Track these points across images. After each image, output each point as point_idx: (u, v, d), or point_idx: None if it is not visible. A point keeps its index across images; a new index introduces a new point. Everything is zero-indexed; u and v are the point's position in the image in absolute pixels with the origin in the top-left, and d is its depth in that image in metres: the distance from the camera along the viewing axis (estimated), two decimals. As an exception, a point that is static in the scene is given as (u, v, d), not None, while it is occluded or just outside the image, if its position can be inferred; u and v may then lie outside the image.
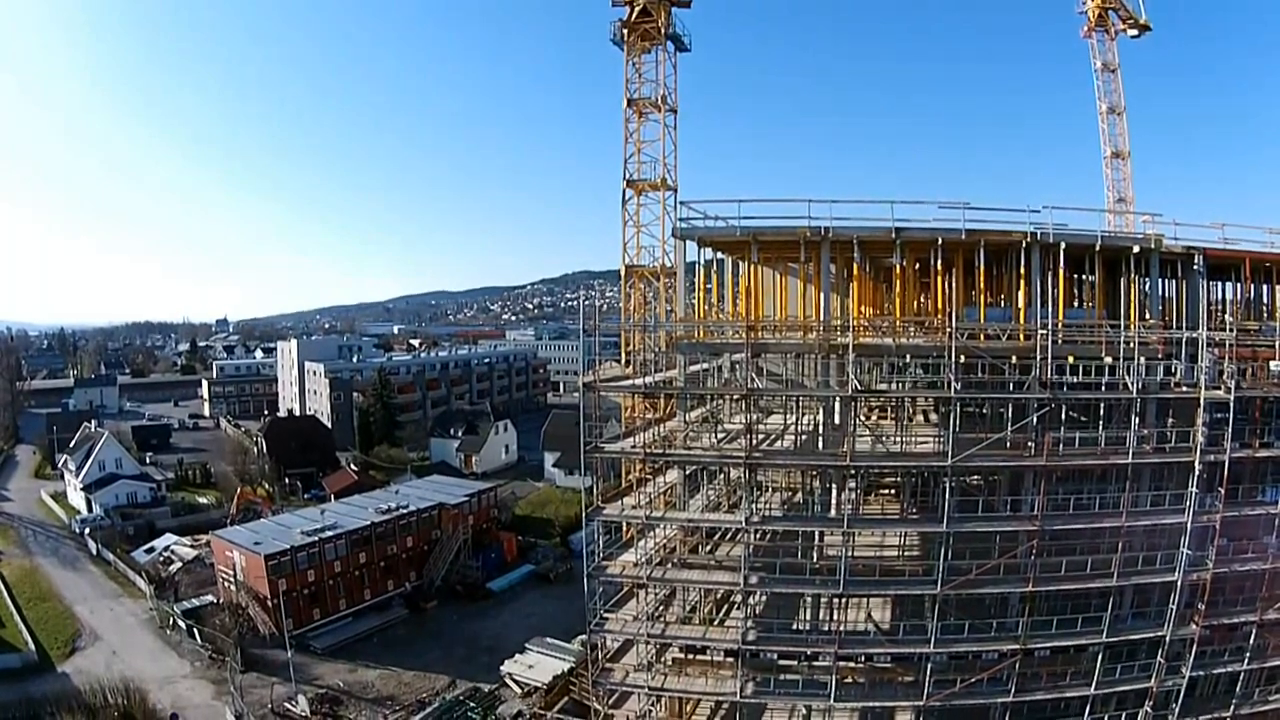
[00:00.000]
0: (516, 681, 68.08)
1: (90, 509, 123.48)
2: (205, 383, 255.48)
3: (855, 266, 52.87)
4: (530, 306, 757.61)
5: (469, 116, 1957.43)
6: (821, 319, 51.21)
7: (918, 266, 58.67)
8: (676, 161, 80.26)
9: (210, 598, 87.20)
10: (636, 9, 76.27)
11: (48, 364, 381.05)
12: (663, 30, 76.60)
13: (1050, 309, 49.18)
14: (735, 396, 56.57)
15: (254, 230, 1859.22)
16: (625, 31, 77.47)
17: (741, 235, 53.25)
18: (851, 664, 47.91)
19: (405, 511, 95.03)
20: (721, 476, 58.80)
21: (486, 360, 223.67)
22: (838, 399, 49.19)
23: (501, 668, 69.79)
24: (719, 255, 63.28)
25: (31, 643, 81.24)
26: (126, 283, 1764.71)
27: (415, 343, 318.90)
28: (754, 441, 50.71)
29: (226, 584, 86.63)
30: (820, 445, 51.48)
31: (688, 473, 56.60)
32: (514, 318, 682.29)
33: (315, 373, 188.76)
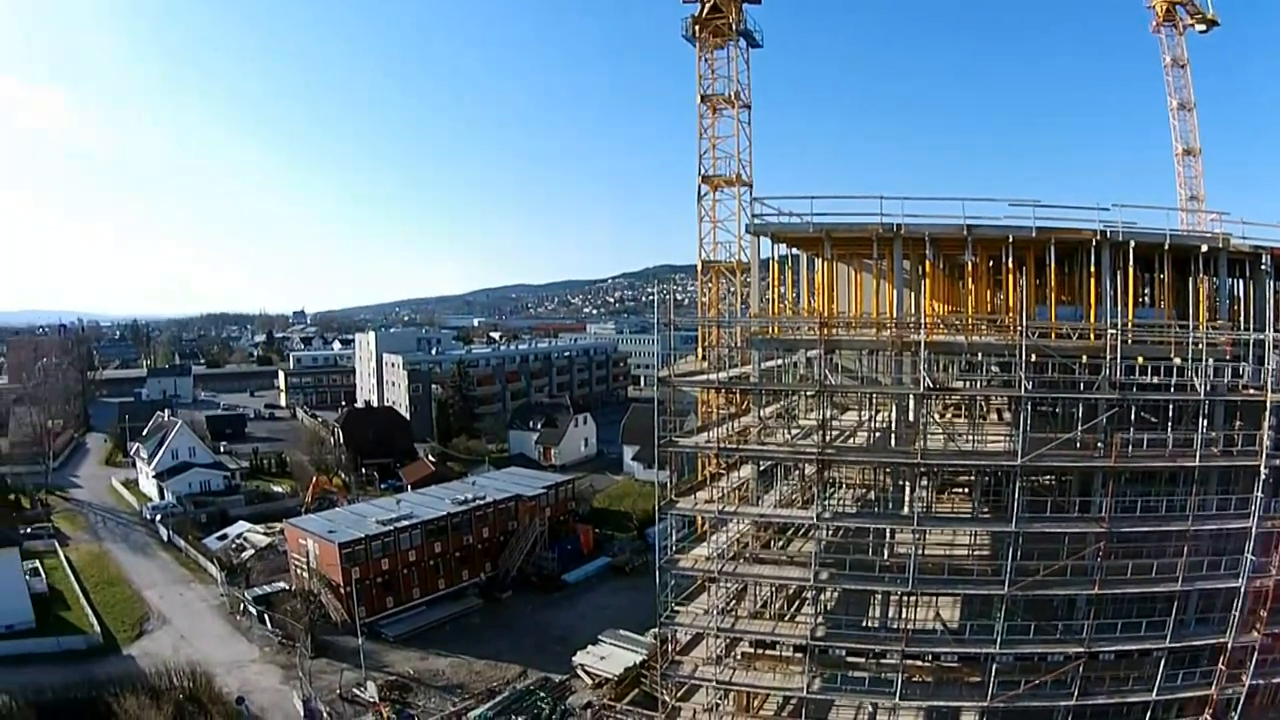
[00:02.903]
0: (588, 672, 68.56)
1: (162, 496, 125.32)
2: (282, 374, 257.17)
3: (928, 263, 52.51)
4: (611, 300, 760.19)
5: (550, 110, 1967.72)
6: (895, 315, 51.06)
7: (990, 263, 58.12)
8: (751, 157, 79.97)
9: (282, 584, 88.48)
10: (707, 5, 76.20)
11: (120, 354, 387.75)
12: (734, 26, 76.47)
13: (1120, 308, 48.43)
14: (809, 393, 56.62)
15: (332, 223, 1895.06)
16: (697, 28, 77.54)
17: (815, 231, 53.41)
18: (918, 663, 47.64)
19: (482, 502, 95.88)
20: (796, 472, 58.64)
21: (566, 353, 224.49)
22: (911, 396, 49.01)
23: (574, 659, 70.25)
24: (793, 251, 63.18)
25: (97, 625, 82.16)
26: (201, 275, 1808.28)
27: (495, 336, 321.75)
28: (828, 438, 50.68)
29: (299, 571, 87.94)
30: (893, 442, 51.35)
31: (762, 468, 56.83)
32: (595, 311, 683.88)
33: (394, 364, 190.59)
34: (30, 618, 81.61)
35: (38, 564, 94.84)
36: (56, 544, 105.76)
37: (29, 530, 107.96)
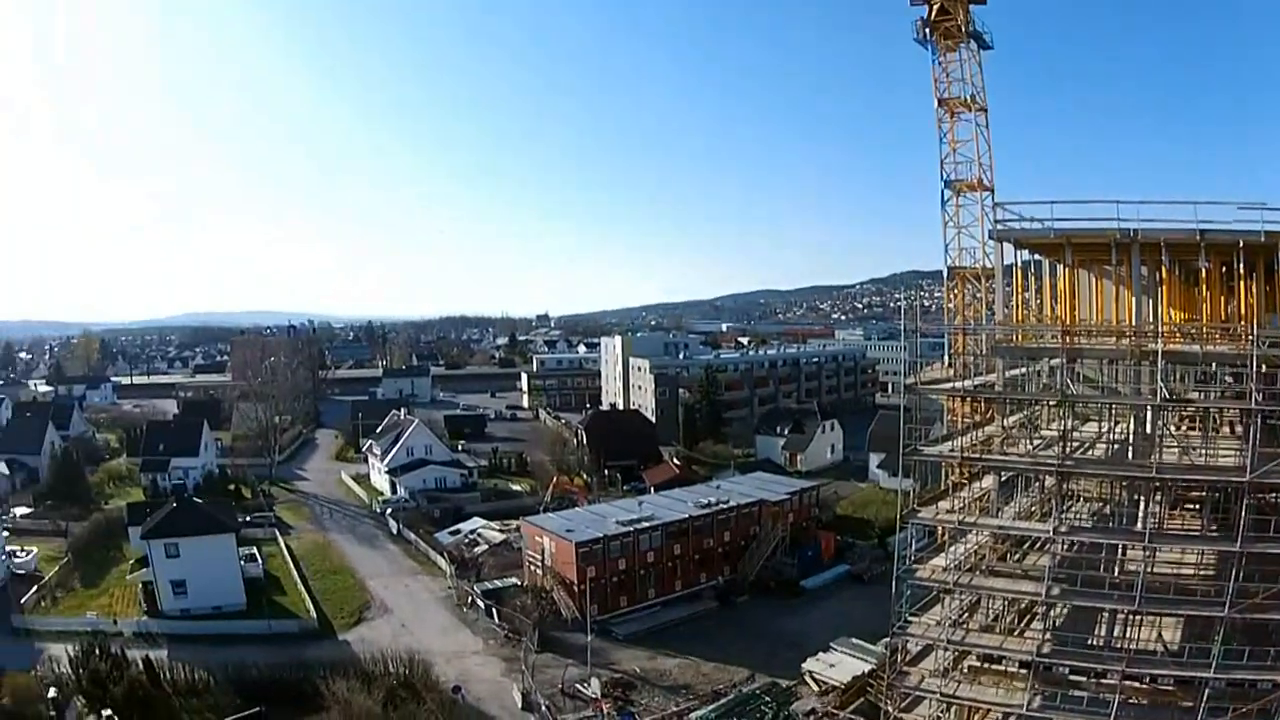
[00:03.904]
0: (815, 679, 68.39)
1: (395, 491, 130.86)
2: (525, 376, 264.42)
3: (1163, 269, 50.23)
4: (859, 306, 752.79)
5: (795, 115, 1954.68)
6: (1133, 323, 49.16)
7: (1223, 269, 54.80)
8: (992, 161, 78.34)
9: (514, 580, 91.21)
10: (935, 7, 75.12)
11: (353, 355, 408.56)
12: (963, 28, 75.06)
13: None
14: (1051, 402, 55.19)
15: (576, 225, 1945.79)
16: (927, 30, 76.61)
17: (1055, 237, 52.39)
18: (1136, 684, 45.48)
19: (724, 506, 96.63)
20: (1036, 484, 57.19)
21: (815, 359, 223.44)
22: (1148, 407, 47.04)
23: (803, 665, 70.03)
24: (1036, 257, 61.76)
25: (314, 611, 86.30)
26: (440, 278, 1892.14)
27: (743, 340, 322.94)
28: (1067, 449, 49.42)
29: (533, 568, 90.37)
30: (1130, 455, 49.34)
31: (1003, 479, 55.77)
32: (843, 317, 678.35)
33: (640, 368, 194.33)
34: (241, 600, 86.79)
35: (255, 550, 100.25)
36: (277, 532, 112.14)
37: (249, 519, 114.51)
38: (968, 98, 76.80)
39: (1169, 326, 49.55)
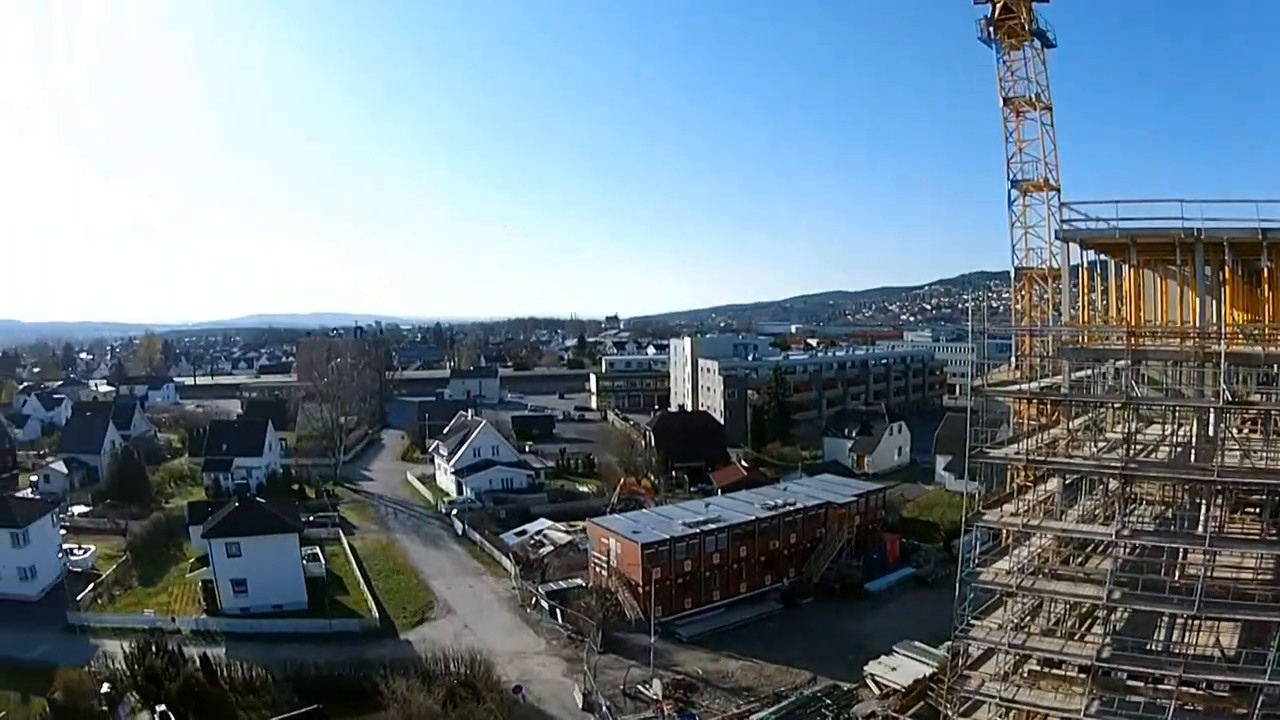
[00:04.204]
0: (877, 682, 68.27)
1: (461, 492, 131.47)
2: (593, 377, 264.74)
3: (1227, 270, 49.43)
4: (928, 307, 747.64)
5: (863, 115, 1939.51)
6: (1197, 324, 48.49)
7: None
8: (1057, 160, 77.61)
9: (579, 581, 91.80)
10: (998, 5, 74.60)
11: (421, 356, 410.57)
12: (1026, 26, 74.42)
13: None
14: (1116, 405, 54.62)
15: (646, 228, 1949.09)
16: (991, 29, 76.10)
17: (1120, 237, 51.82)
18: (1192, 690, 44.74)
19: (791, 508, 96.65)
20: (1100, 487, 56.59)
21: (883, 361, 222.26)
22: (1211, 410, 46.37)
23: (865, 668, 69.90)
24: (1101, 257, 61.17)
25: (375, 610, 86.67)
26: (509, 280, 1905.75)
27: (812, 342, 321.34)
28: (1131, 451, 48.89)
29: (598, 569, 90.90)
30: (1192, 458, 48.64)
31: (1068, 481, 55.28)
32: (911, 318, 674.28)
33: (709, 369, 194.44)
34: (302, 599, 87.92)
35: (318, 550, 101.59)
36: (340, 532, 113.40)
37: (312, 519, 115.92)
38: (1032, 96, 76.20)
39: (1232, 328, 48.78)
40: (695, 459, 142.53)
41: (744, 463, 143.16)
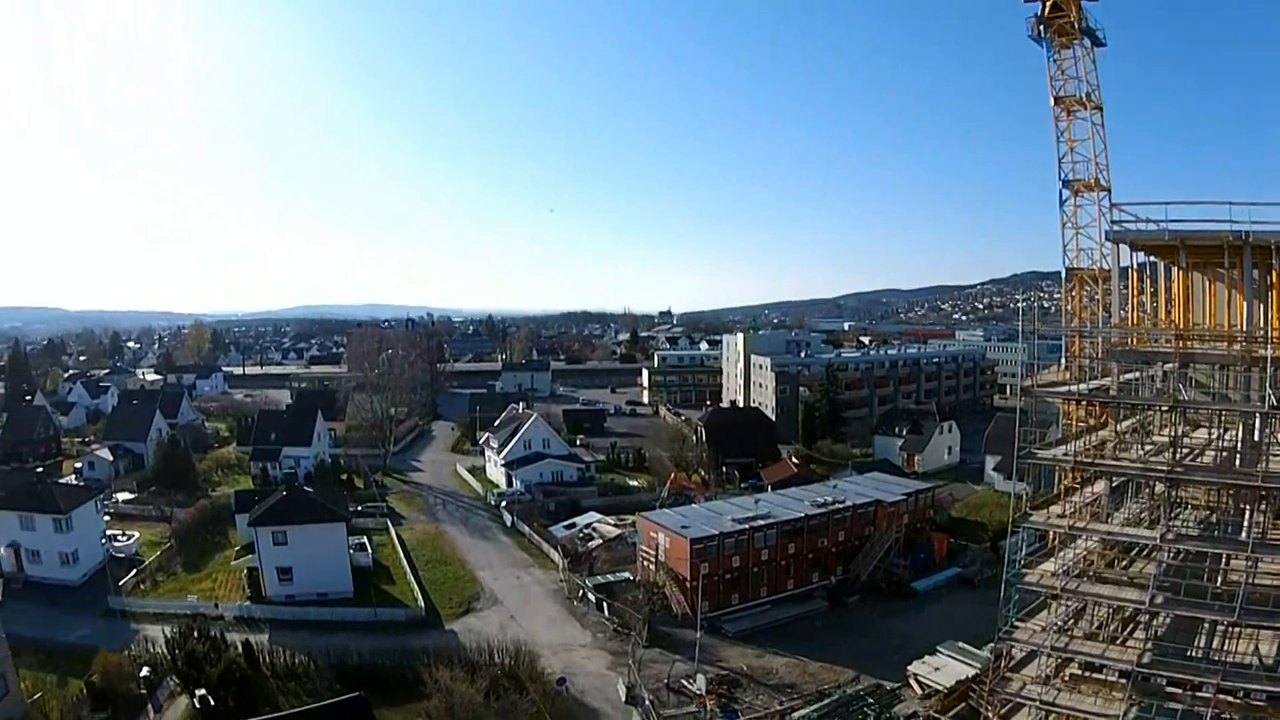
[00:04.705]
0: (919, 682, 68.13)
1: (510, 484, 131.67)
2: (645, 371, 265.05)
3: (1275, 273, 49.03)
4: (980, 306, 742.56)
5: (916, 111, 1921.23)
6: (1243, 328, 48.20)
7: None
8: (1108, 161, 76.77)
9: (626, 575, 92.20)
10: (1048, 4, 74.03)
11: (473, 348, 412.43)
12: (1076, 25, 73.82)
13: None
14: (1164, 408, 54.37)
15: (700, 223, 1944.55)
16: (1041, 27, 75.61)
17: (1169, 239, 51.71)
18: (1229, 698, 44.45)
19: (840, 506, 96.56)
20: (1146, 490, 56.37)
21: (935, 360, 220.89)
22: (1257, 414, 46.07)
23: (909, 667, 69.82)
24: (1151, 259, 60.86)
25: (421, 600, 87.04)
26: (560, 272, 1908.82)
27: (865, 340, 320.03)
28: (1177, 455, 48.70)
29: (646, 563, 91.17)
30: (1237, 463, 48.33)
31: (1114, 484, 55.12)
32: (964, 317, 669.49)
33: (762, 366, 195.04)
34: (348, 588, 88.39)
35: (365, 540, 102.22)
36: (389, 522, 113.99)
37: (360, 509, 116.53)
38: (1083, 95, 75.41)
39: (1278, 332, 48.38)
40: (746, 455, 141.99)
41: (794, 460, 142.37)
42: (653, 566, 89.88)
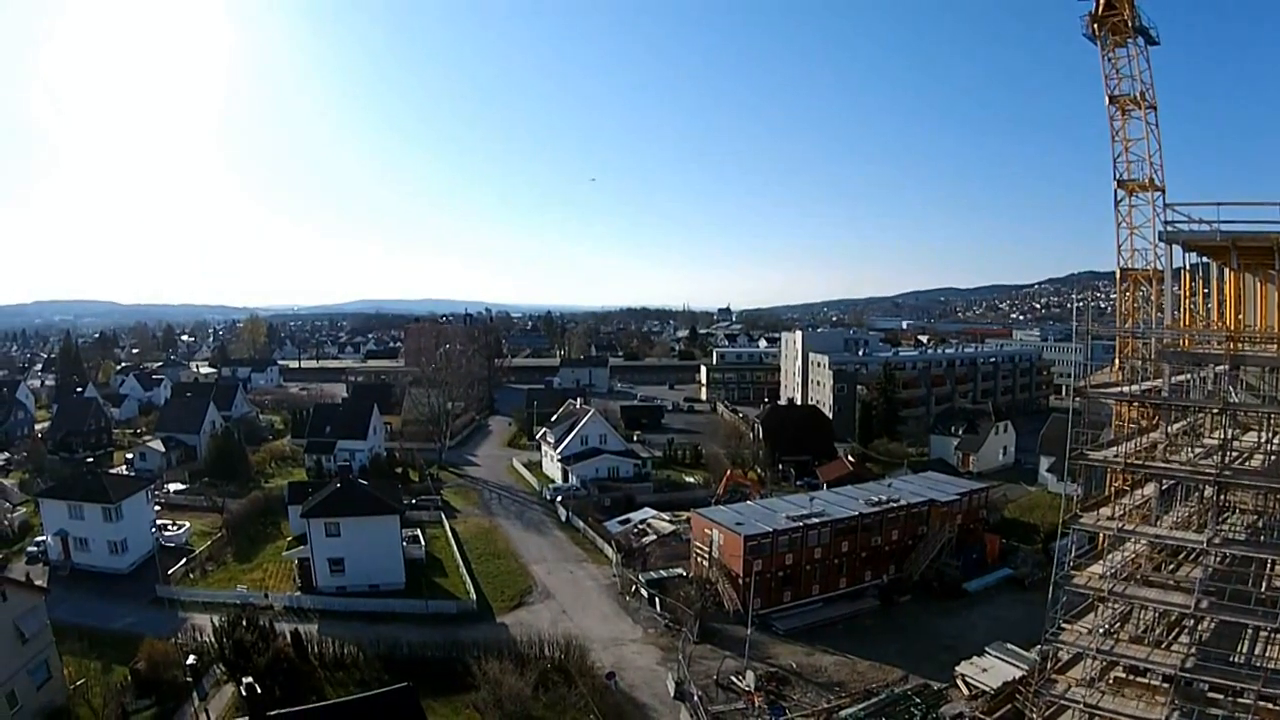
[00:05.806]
0: (967, 683, 68.13)
1: (566, 479, 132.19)
2: (704, 368, 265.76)
3: (1322, 276, 48.64)
4: (1037, 306, 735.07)
5: (975, 111, 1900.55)
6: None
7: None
8: (1162, 161, 76.44)
9: (679, 571, 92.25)
10: (1102, 2, 73.75)
11: (531, 343, 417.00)
12: (1129, 23, 73.37)
13: None
14: (1214, 410, 54.07)
15: (760, 221, 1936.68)
16: (1095, 26, 75.22)
17: (1221, 240, 51.29)
18: (1270, 705, 44.09)
19: (895, 505, 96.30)
20: (1196, 494, 56.05)
21: (992, 359, 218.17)
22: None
23: (957, 668, 69.84)
24: (1205, 260, 60.43)
25: (473, 593, 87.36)
26: (620, 267, 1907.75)
27: (922, 339, 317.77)
28: (1227, 458, 48.45)
29: (700, 559, 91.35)
30: (1284, 467, 48.03)
31: (1164, 487, 54.89)
32: (1021, 317, 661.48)
33: (819, 364, 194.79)
34: (400, 580, 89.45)
35: (418, 532, 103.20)
36: (442, 515, 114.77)
37: (414, 501, 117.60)
38: (1137, 94, 75.15)
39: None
40: (802, 453, 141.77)
41: (850, 458, 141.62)
42: (705, 563, 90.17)
